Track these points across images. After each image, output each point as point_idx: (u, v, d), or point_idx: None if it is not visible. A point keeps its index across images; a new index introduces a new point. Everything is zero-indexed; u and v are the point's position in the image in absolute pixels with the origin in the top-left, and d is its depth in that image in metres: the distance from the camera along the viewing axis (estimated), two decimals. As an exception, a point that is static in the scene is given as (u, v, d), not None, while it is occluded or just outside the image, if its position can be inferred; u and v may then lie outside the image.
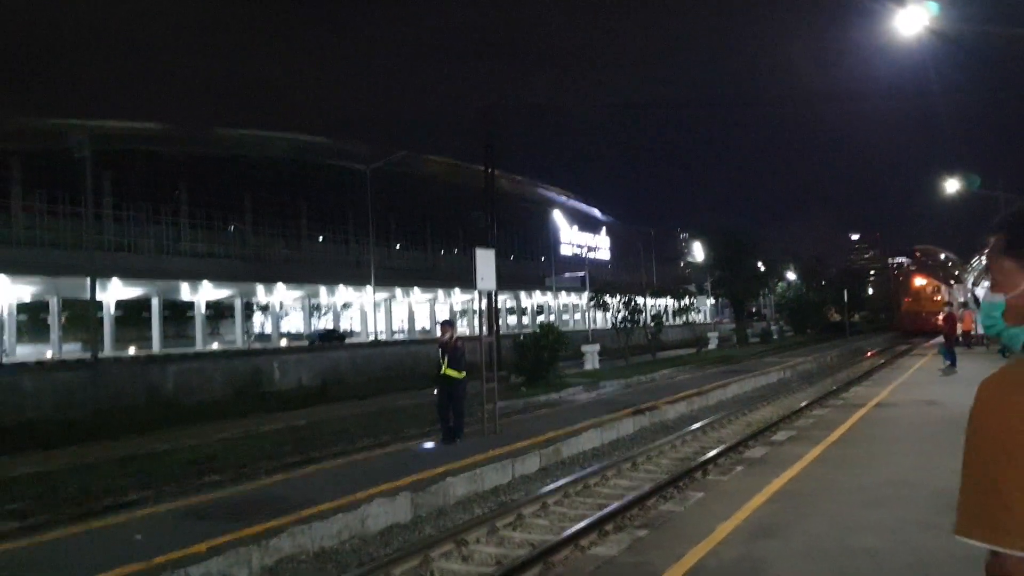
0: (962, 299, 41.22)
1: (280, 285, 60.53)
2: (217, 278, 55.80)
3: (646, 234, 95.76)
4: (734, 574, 5.87)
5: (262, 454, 16.61)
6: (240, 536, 8.05)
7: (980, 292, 47.18)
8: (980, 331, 32.91)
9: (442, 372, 14.03)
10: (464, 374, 14.04)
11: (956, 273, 60.13)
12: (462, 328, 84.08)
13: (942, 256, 65.72)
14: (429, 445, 13.88)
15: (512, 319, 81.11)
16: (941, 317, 40.93)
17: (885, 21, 13.20)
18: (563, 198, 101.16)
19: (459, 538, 8.87)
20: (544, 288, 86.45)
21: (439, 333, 14.95)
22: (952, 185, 39.67)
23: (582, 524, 9.10)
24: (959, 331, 27.78)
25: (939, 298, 57.97)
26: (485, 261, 14.53)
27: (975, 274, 51.30)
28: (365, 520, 9.27)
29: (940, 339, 27.07)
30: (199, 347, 52.84)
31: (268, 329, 65.55)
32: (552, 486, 11.30)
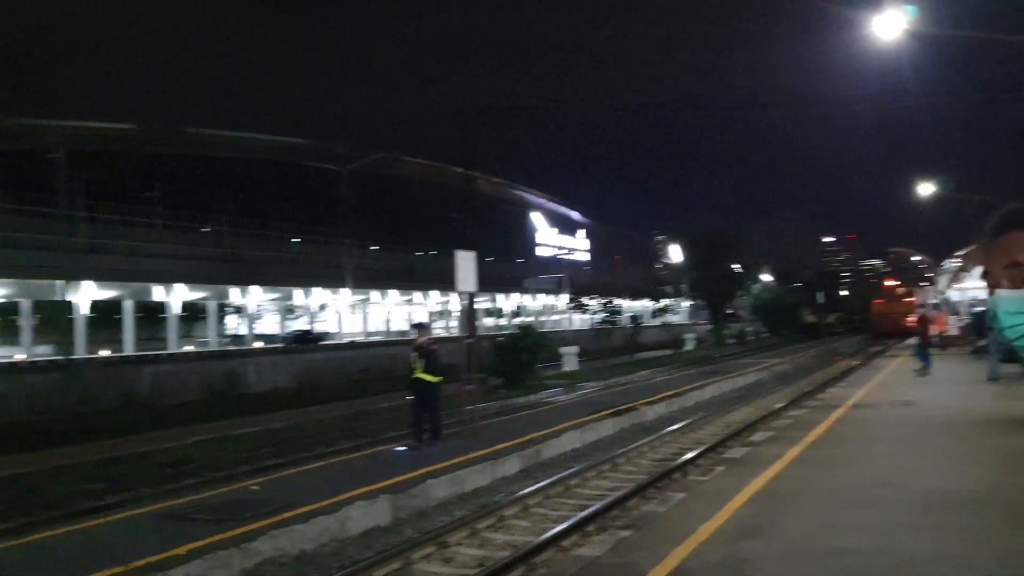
0: (934, 301, 41.67)
1: (255, 287, 60.12)
2: (192, 280, 55.25)
3: (624, 236, 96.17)
4: (718, 574, 5.88)
5: (240, 457, 16.45)
6: (220, 539, 8.00)
7: (953, 295, 47.67)
8: (953, 332, 33.29)
9: (415, 375, 13.81)
10: (440, 378, 13.84)
11: (928, 275, 60.36)
12: (440, 330, 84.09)
13: (914, 258, 65.79)
14: (408, 448, 13.80)
15: (489, 321, 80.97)
16: (915, 318, 41.01)
17: (864, 26, 13.32)
18: (541, 200, 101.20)
19: (440, 540, 8.84)
20: (522, 290, 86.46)
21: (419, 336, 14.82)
22: (925, 189, 40.10)
23: (564, 525, 9.09)
24: (933, 332, 27.96)
25: (911, 300, 56.82)
26: (466, 263, 14.50)
27: (947, 276, 51.79)
28: (345, 522, 9.22)
29: (914, 340, 27.27)
30: (173, 349, 52.38)
31: (242, 331, 65.00)
32: (533, 487, 11.29)
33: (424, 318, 64.86)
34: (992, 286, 10.50)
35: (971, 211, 52.27)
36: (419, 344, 14.11)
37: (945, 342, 31.78)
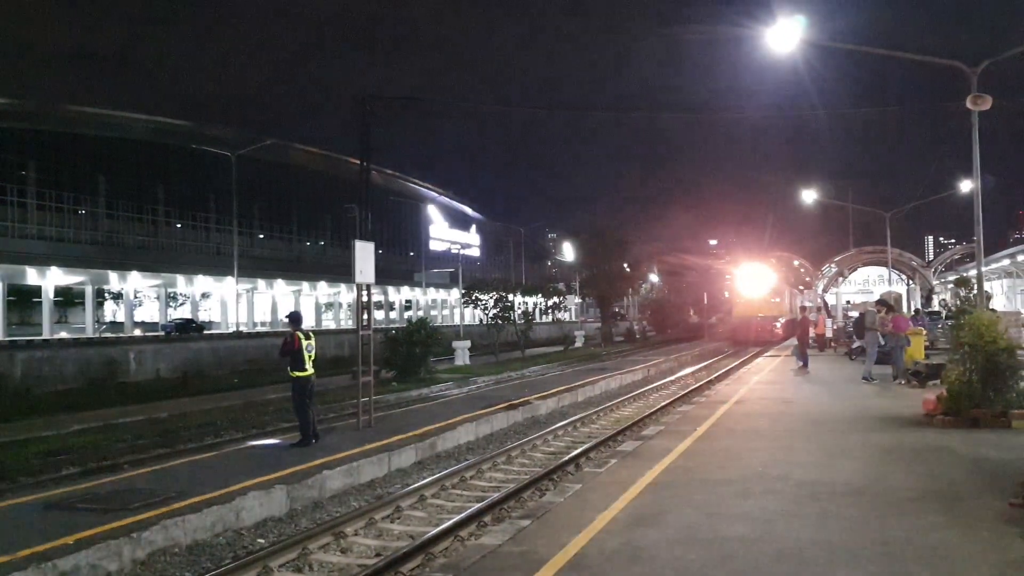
0: (810, 303, 43.50)
1: (135, 272, 58.06)
2: (67, 263, 53.11)
3: (516, 232, 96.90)
4: (616, 560, 6.08)
5: (125, 446, 15.94)
6: (109, 529, 7.77)
7: (830, 298, 49.96)
8: (829, 335, 34.90)
9: (290, 370, 13.01)
10: (312, 371, 13.05)
11: (807, 279, 61.59)
12: (328, 322, 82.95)
13: (795, 262, 67.62)
14: (299, 439, 13.58)
15: (380, 314, 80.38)
16: (786, 322, 42.10)
17: (761, 38, 13.89)
18: (434, 194, 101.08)
19: (337, 530, 8.82)
20: (413, 283, 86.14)
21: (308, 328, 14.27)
22: (809, 195, 41.96)
23: (462, 516, 9.20)
24: (811, 335, 29.17)
25: (778, 301, 50.25)
26: (364, 254, 14.38)
27: (825, 280, 54.07)
28: (240, 513, 9.08)
29: (787, 343, 28.21)
30: (46, 335, 50.08)
31: (121, 318, 62.65)
32: (429, 479, 11.35)
33: (298, 308, 63.71)
34: None
35: (851, 218, 54.92)
36: (284, 338, 13.21)
37: (822, 344, 33.24)
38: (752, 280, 50.86)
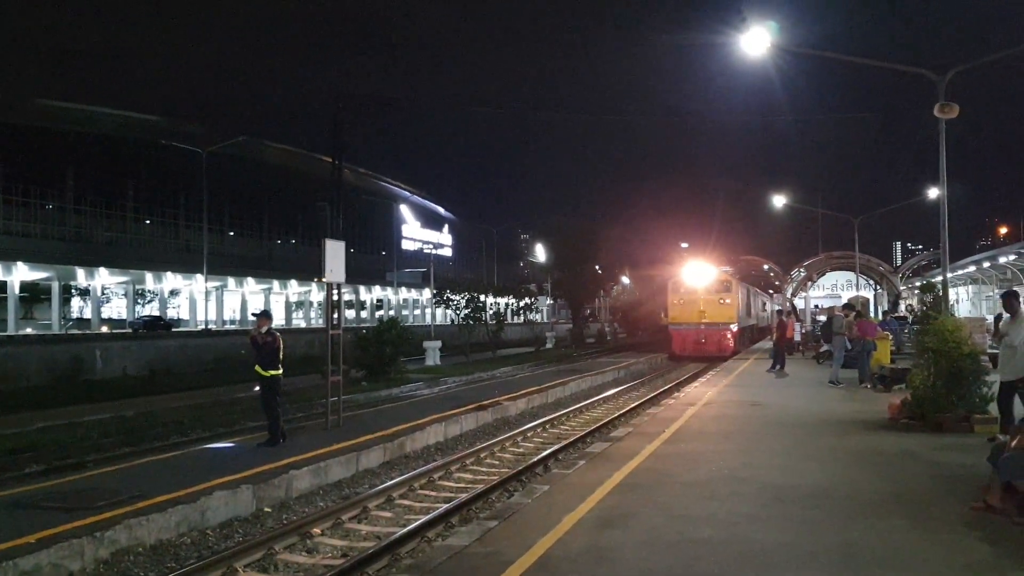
0: (778, 307, 43.84)
1: (103, 269, 57.34)
2: (33, 259, 52.34)
3: (489, 233, 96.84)
4: (582, 562, 6.09)
5: (89, 445, 15.75)
6: (72, 527, 7.68)
7: (799, 302, 50.48)
8: (798, 338, 35.20)
9: (256, 368, 12.82)
10: (275, 372, 12.79)
11: (777, 283, 61.90)
12: (299, 321, 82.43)
13: (765, 267, 67.97)
14: (268, 439, 13.47)
15: (351, 313, 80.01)
16: (738, 331, 36.87)
17: (733, 43, 14.00)
18: (407, 193, 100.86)
19: (304, 531, 8.77)
20: (385, 283, 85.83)
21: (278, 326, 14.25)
22: (779, 200, 42.34)
23: (429, 516, 9.18)
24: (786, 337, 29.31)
25: (727, 301, 37.14)
26: (335, 253, 14.33)
27: (794, 284, 54.58)
28: (205, 512, 9.01)
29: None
30: (11, 331, 49.31)
31: (88, 314, 61.84)
32: (397, 479, 11.32)
33: (268, 307, 63.26)
34: None
35: (820, 223, 55.46)
36: (252, 335, 13.03)
37: (790, 347, 33.51)
38: (692, 279, 38.35)
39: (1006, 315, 10.64)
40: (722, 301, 37.12)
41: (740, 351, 37.29)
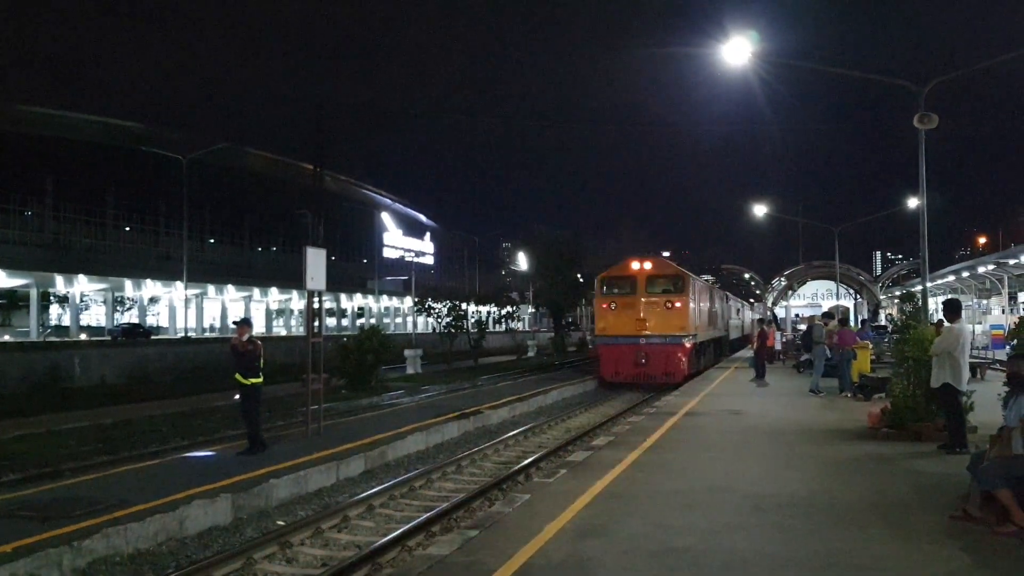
0: (759, 316, 44.06)
1: (81, 276, 56.87)
2: (11, 265, 51.86)
3: (471, 241, 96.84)
4: (563, 571, 6.07)
5: (67, 453, 15.58)
6: (49, 537, 7.59)
7: (780, 311, 50.73)
8: (778, 347, 35.35)
9: (236, 376, 12.71)
10: (255, 380, 12.73)
11: (758, 292, 62.00)
12: (279, 329, 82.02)
13: (746, 276, 68.22)
14: (248, 447, 13.38)
15: (332, 321, 79.68)
16: (693, 346, 27.95)
17: (714, 53, 14.09)
18: (389, 201, 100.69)
19: (283, 540, 8.70)
20: (366, 291, 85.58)
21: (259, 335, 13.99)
22: (760, 209, 42.56)
23: (410, 525, 9.14)
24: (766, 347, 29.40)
25: (677, 306, 27.59)
26: (316, 261, 14.27)
27: (775, 293, 54.85)
28: (184, 521, 8.92)
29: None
30: (-12, 338, 48.79)
31: (67, 322, 61.29)
32: (377, 488, 11.26)
33: (248, 314, 62.96)
34: None
35: (801, 233, 55.79)
36: (233, 343, 12.99)
37: (771, 356, 33.63)
38: (629, 276, 28.64)
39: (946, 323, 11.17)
40: (670, 305, 27.65)
41: (704, 371, 30.20)
